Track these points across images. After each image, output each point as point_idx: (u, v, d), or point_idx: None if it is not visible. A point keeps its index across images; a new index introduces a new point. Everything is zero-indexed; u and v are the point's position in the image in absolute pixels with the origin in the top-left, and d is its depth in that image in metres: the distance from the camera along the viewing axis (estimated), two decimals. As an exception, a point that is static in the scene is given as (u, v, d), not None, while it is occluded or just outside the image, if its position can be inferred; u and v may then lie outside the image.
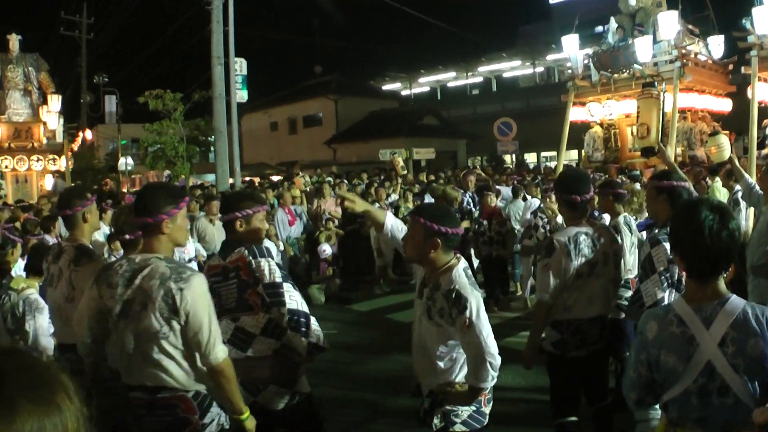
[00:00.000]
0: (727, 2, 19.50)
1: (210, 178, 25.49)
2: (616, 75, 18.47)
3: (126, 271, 3.28)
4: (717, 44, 19.05)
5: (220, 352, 3.30)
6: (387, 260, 13.54)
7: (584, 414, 4.94)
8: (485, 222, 10.88)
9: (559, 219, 10.07)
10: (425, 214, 3.69)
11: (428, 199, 13.37)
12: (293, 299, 3.84)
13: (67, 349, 4.40)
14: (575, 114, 19.54)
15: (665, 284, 4.33)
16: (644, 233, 6.54)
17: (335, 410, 6.23)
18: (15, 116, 24.43)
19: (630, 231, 6.27)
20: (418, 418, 3.86)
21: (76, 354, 4.26)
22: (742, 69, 14.73)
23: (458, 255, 3.74)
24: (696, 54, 18.42)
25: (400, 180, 18.12)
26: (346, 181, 18.78)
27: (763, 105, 14.88)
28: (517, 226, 11.68)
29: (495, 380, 3.55)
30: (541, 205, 10.84)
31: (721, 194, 10.63)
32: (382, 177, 20.34)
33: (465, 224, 10.52)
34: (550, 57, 43.71)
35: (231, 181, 19.76)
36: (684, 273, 2.81)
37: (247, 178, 25.56)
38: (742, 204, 8.89)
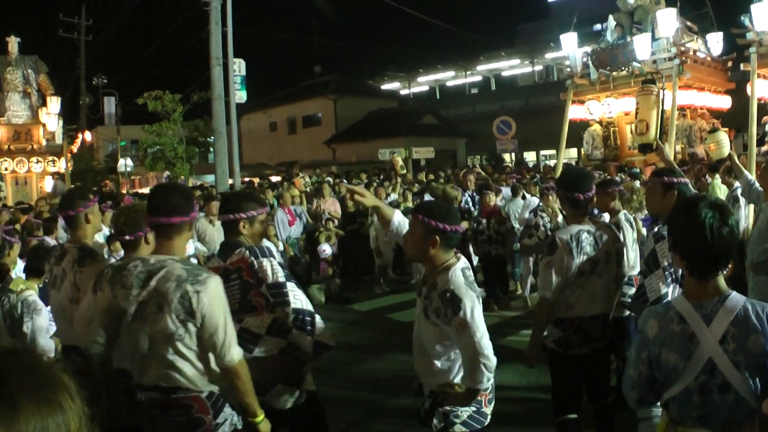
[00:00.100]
0: (725, -1, 19.53)
1: (209, 178, 25.48)
2: (615, 73, 18.45)
3: (141, 273, 3.27)
4: (716, 41, 19.03)
5: (235, 354, 3.31)
6: (386, 260, 13.55)
7: (586, 412, 4.94)
8: (484, 221, 10.88)
9: (560, 218, 10.09)
10: (424, 211, 3.70)
11: (428, 198, 13.38)
12: (297, 298, 3.84)
13: (72, 350, 4.39)
14: (574, 112, 19.53)
15: (669, 279, 4.34)
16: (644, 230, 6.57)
17: (335, 410, 6.23)
18: (14, 118, 24.43)
19: (631, 227, 6.28)
20: (418, 418, 3.86)
21: (81, 355, 4.27)
22: (741, 66, 14.69)
23: (459, 254, 3.74)
24: (695, 51, 18.41)
25: (399, 179, 18.12)
26: (345, 181, 18.77)
27: (762, 102, 14.86)
28: (516, 225, 11.69)
29: (491, 381, 3.55)
30: (541, 204, 10.84)
31: (721, 191, 10.63)
32: (382, 177, 20.34)
33: (464, 224, 10.52)
34: (549, 55, 43.66)
35: (230, 181, 19.76)
36: (685, 271, 2.79)
37: (247, 179, 25.54)
38: (742, 201, 8.89)
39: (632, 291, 5.63)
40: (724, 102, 20.20)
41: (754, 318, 2.56)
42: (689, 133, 18.31)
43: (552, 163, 24.08)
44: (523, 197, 12.45)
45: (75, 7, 36.42)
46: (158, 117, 25.80)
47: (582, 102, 19.80)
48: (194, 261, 8.92)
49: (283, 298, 3.79)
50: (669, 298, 4.07)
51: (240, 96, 20.67)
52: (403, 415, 6.12)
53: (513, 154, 27.36)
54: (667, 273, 4.35)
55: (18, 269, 7.61)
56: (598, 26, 32.11)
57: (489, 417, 3.74)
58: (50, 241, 9.21)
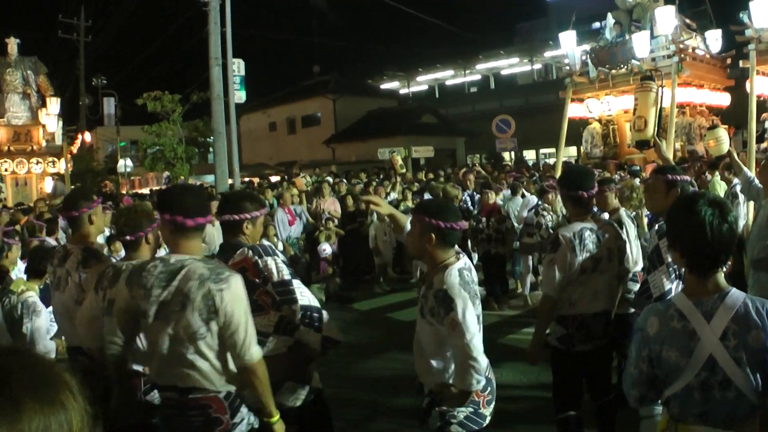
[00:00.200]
0: (724, -4, 19.52)
1: (209, 179, 25.49)
2: (613, 71, 18.44)
3: (162, 273, 3.27)
4: (715, 38, 19.03)
5: (255, 353, 3.32)
6: (386, 259, 13.56)
7: (587, 410, 4.95)
8: (484, 219, 10.87)
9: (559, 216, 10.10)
10: (421, 208, 3.75)
11: (427, 197, 13.38)
12: (304, 295, 3.84)
13: (78, 351, 4.39)
14: (574, 110, 19.52)
15: (673, 275, 4.36)
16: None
17: (335, 409, 6.19)
18: (14, 119, 24.45)
19: (633, 224, 6.29)
20: (418, 417, 3.86)
21: (87, 355, 4.27)
22: (740, 63, 14.72)
23: (459, 254, 3.74)
24: (694, 49, 18.40)
25: (399, 179, 18.13)
26: (345, 180, 18.78)
27: (761, 98, 14.89)
28: (516, 224, 11.68)
29: (482, 383, 3.54)
30: (542, 203, 10.83)
31: (721, 188, 10.63)
32: (381, 176, 20.34)
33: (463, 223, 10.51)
34: (548, 54, 43.63)
35: (230, 181, 19.77)
36: (684, 268, 2.80)
37: (247, 179, 25.56)
38: (741, 197, 8.90)
39: (637, 287, 5.64)
40: (724, 99, 20.20)
41: (754, 314, 2.56)
42: (689, 130, 18.31)
43: (552, 161, 24.08)
44: (522, 196, 12.45)
45: (74, 8, 36.43)
46: (158, 117, 25.81)
47: (581, 100, 19.79)
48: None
49: (290, 296, 3.78)
50: (673, 294, 4.07)
51: (239, 96, 20.67)
52: (404, 415, 6.13)
53: (512, 153, 27.41)
54: (671, 269, 4.37)
55: (18, 270, 7.61)
56: (596, 24, 32.02)
57: (488, 418, 3.73)
58: (51, 241, 9.22)
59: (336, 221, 13.89)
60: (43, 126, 24.89)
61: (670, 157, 13.26)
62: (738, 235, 3.27)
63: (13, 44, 24.60)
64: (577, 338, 4.68)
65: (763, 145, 15.15)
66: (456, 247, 3.75)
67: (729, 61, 19.37)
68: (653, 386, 2.76)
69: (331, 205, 14.36)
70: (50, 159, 24.52)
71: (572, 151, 29.63)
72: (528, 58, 46.70)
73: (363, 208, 14.41)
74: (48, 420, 1.11)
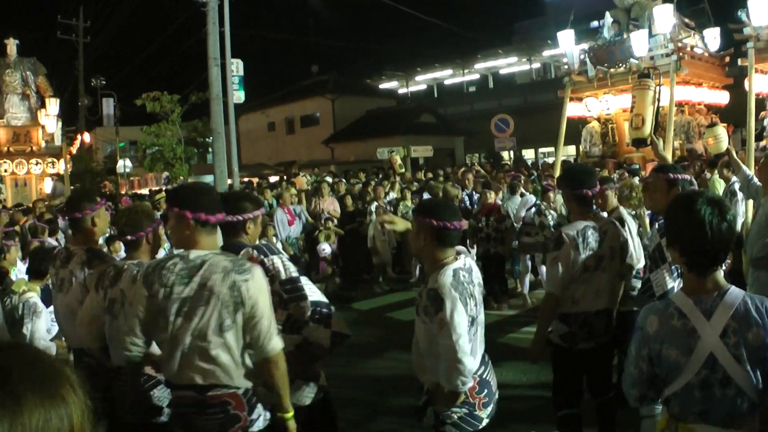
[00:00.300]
0: (722, -5, 19.52)
1: (208, 179, 25.44)
2: (612, 70, 18.47)
3: (182, 269, 3.27)
4: (713, 37, 19.05)
5: (277, 343, 3.36)
6: (384, 259, 13.57)
7: (588, 408, 4.96)
8: (483, 218, 10.88)
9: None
10: (420, 207, 3.80)
11: (426, 197, 13.39)
12: (313, 291, 3.85)
13: (83, 352, 4.38)
14: (572, 110, 19.55)
15: (675, 274, 4.39)
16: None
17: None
18: (13, 120, 24.46)
19: (634, 221, 6.32)
20: (416, 414, 3.88)
21: (92, 357, 4.27)
22: (739, 61, 14.72)
23: (460, 254, 3.75)
24: (692, 47, 18.41)
25: (398, 178, 18.14)
26: (344, 180, 18.78)
27: (760, 96, 14.91)
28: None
29: (466, 385, 3.52)
30: (543, 203, 10.83)
31: (721, 186, 10.64)
32: (380, 176, 20.34)
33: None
34: (546, 53, 43.59)
35: (229, 181, 19.77)
36: (683, 266, 2.81)
37: (246, 179, 25.56)
38: (739, 195, 8.90)
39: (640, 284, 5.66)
40: (722, 97, 20.22)
41: (754, 312, 2.57)
42: (687, 128, 18.34)
43: (550, 160, 24.08)
44: (521, 195, 12.45)
45: (73, 8, 36.41)
46: (157, 118, 25.81)
47: (580, 99, 19.82)
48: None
49: (300, 293, 3.79)
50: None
51: (238, 96, 20.66)
52: (403, 414, 6.13)
53: (511, 152, 27.39)
54: (673, 268, 4.40)
55: (18, 271, 7.62)
56: (595, 23, 32.02)
57: (485, 421, 3.72)
58: (52, 242, 9.23)
59: (335, 221, 13.90)
60: (43, 127, 24.90)
61: (669, 155, 13.29)
62: (737, 233, 3.29)
63: (12, 45, 24.61)
64: (579, 336, 4.70)
65: (762, 143, 15.17)
66: (461, 247, 3.76)
67: (727, 59, 19.39)
68: (653, 385, 2.77)
69: (330, 205, 14.36)
70: (49, 160, 24.52)
71: (571, 150, 29.63)
72: (526, 57, 46.68)
73: (348, 202, 14.46)
74: (49, 414, 1.12)
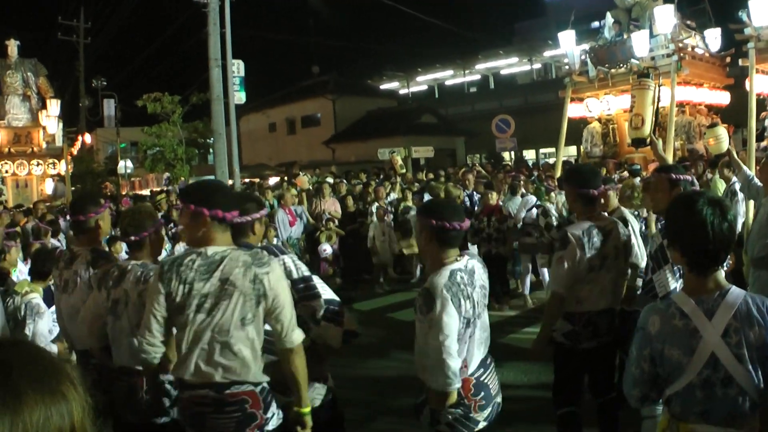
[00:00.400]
0: (723, -5, 19.51)
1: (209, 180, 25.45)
2: (613, 70, 18.45)
3: (201, 266, 3.27)
4: (714, 37, 19.03)
5: (298, 334, 3.41)
6: (383, 259, 13.57)
7: (588, 408, 4.96)
8: (485, 218, 10.87)
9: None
10: (421, 207, 3.83)
11: (427, 197, 13.40)
12: (325, 289, 3.88)
13: (88, 353, 4.37)
14: (573, 110, 19.53)
15: (677, 274, 4.39)
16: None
17: (338, 409, 6.24)
18: (14, 121, 24.48)
19: (637, 221, 6.33)
20: (415, 414, 3.88)
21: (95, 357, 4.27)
22: (740, 61, 14.70)
23: (462, 256, 3.74)
24: (693, 47, 18.40)
25: (399, 179, 18.13)
26: (345, 181, 18.78)
27: (761, 97, 14.89)
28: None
29: (452, 386, 3.51)
30: (546, 204, 10.83)
31: (722, 187, 10.64)
32: (381, 176, 20.34)
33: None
34: (547, 53, 43.59)
35: (230, 182, 19.77)
36: (684, 267, 2.80)
37: (247, 180, 25.56)
38: (740, 195, 8.90)
39: None
40: (723, 98, 20.20)
41: (755, 311, 2.57)
42: (688, 129, 18.32)
43: (551, 161, 24.07)
44: (522, 195, 12.44)
45: (74, 9, 36.43)
46: (158, 119, 25.82)
47: (581, 99, 19.80)
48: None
49: (313, 291, 3.81)
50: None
51: (239, 97, 20.66)
52: (404, 415, 6.12)
53: (512, 153, 27.41)
54: (675, 268, 4.40)
55: (19, 272, 7.63)
56: (595, 23, 32.02)
57: (481, 423, 3.69)
58: (54, 242, 9.24)
59: (336, 222, 13.91)
60: (44, 128, 24.93)
61: (670, 156, 13.30)
62: (737, 233, 3.30)
63: (13, 46, 24.64)
64: (583, 335, 4.71)
65: (763, 144, 15.15)
66: (473, 249, 3.76)
67: (728, 59, 19.37)
68: (655, 386, 2.77)
69: (331, 206, 14.37)
70: (50, 161, 24.55)
71: (572, 150, 29.62)
72: (527, 57, 46.69)
73: (349, 202, 14.47)
74: (49, 411, 1.13)
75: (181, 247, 10.27)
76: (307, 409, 3.47)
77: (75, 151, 28.88)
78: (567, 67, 19.68)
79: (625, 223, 5.43)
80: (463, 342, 3.58)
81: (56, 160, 24.47)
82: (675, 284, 4.50)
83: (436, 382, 3.50)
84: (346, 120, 41.24)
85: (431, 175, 19.47)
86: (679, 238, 2.74)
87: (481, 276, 3.76)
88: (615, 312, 4.85)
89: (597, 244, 4.65)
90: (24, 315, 5.48)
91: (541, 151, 40.40)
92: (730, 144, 9.76)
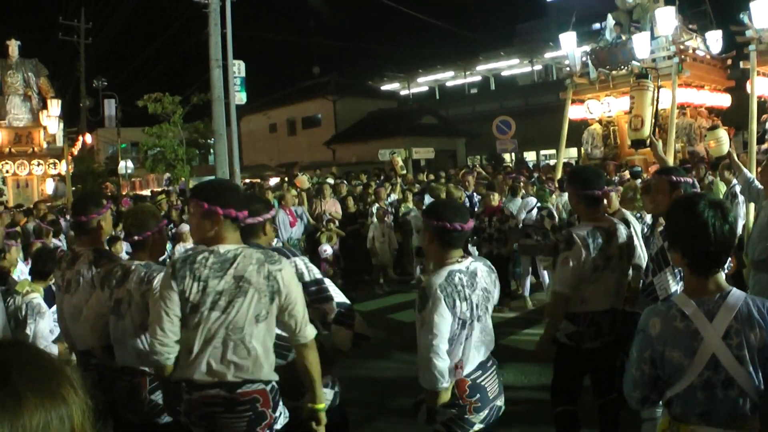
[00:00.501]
0: (724, -3, 19.52)
1: (210, 180, 25.42)
2: (614, 72, 18.43)
3: (215, 263, 3.27)
4: (715, 39, 19.01)
5: (311, 329, 3.44)
6: (382, 260, 13.57)
7: (591, 408, 4.96)
8: (486, 219, 10.87)
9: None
10: (426, 208, 3.79)
11: (428, 198, 13.41)
12: (337, 292, 3.86)
13: (89, 354, 4.37)
14: (574, 112, 19.51)
15: (678, 277, 4.39)
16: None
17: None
18: (15, 121, 24.50)
19: (639, 223, 6.33)
20: (413, 410, 3.89)
21: (96, 357, 4.27)
22: (741, 64, 14.72)
23: (464, 258, 3.75)
24: (694, 49, 18.38)
25: (399, 180, 18.14)
26: (346, 181, 18.78)
27: (762, 99, 14.88)
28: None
29: (440, 385, 3.52)
30: (549, 205, 10.82)
31: (723, 189, 10.64)
32: (382, 177, 20.34)
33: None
34: (548, 55, 43.58)
35: (231, 183, 19.75)
36: (685, 269, 2.81)
37: (247, 180, 25.54)
38: (740, 197, 8.90)
39: None
40: (724, 100, 20.18)
41: (756, 313, 2.58)
42: (689, 131, 18.30)
43: (552, 162, 24.07)
44: (522, 197, 12.43)
45: (74, 9, 36.42)
46: (158, 119, 25.72)
47: (582, 101, 19.78)
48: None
49: (326, 294, 3.80)
50: None
51: (240, 97, 20.65)
52: (404, 415, 6.11)
53: (513, 154, 27.37)
54: (676, 270, 4.41)
55: (20, 272, 7.63)
56: (597, 25, 32.00)
57: (477, 425, 3.70)
58: (56, 242, 9.24)
59: (337, 222, 13.91)
60: (44, 128, 24.94)
61: (671, 158, 13.28)
62: (737, 235, 3.31)
63: (13, 46, 24.66)
64: (587, 336, 4.72)
65: (764, 147, 15.12)
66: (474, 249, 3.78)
67: (729, 61, 19.35)
68: (655, 387, 2.77)
69: (332, 207, 14.38)
70: (51, 161, 24.57)
71: (573, 152, 29.60)
72: (528, 59, 46.66)
73: (350, 203, 14.46)
74: (49, 414, 1.11)
75: (181, 247, 10.27)
76: (322, 405, 3.48)
77: (75, 151, 28.88)
78: (568, 68, 19.67)
79: (627, 224, 5.43)
80: (458, 343, 3.59)
81: (57, 161, 24.48)
82: (676, 287, 4.50)
83: (425, 380, 3.54)
84: (346, 121, 41.20)
85: (432, 177, 19.47)
86: (680, 239, 2.74)
87: (485, 279, 3.77)
88: (618, 312, 4.85)
89: (601, 244, 4.66)
90: (25, 315, 5.48)
91: (542, 152, 40.39)
92: (730, 146, 9.76)
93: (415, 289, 11.91)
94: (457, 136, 40.16)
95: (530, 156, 39.86)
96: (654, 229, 5.10)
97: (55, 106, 25.26)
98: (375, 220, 13.55)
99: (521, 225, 11.15)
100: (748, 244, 6.01)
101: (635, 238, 5.32)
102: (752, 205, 8.80)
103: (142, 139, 28.95)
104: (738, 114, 17.46)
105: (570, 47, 19.18)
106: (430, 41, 61.39)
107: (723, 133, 10.13)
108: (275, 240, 11.75)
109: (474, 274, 3.69)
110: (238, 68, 20.54)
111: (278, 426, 3.38)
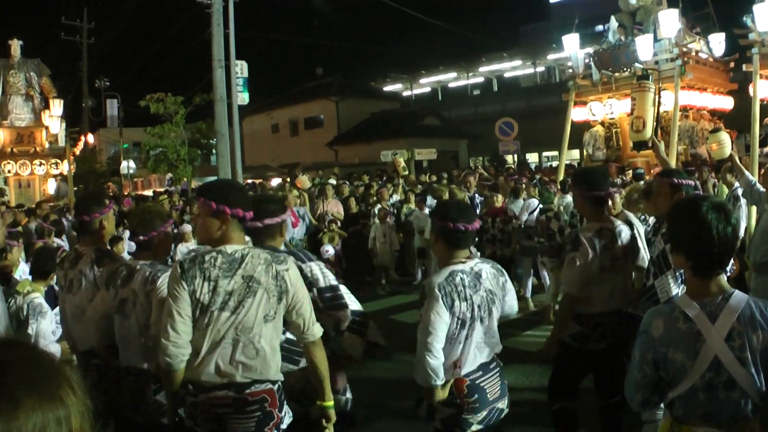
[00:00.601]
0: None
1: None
2: (617, 74, 18.40)
3: (224, 263, 3.26)
4: (718, 42, 18.98)
5: (318, 328, 3.46)
6: (383, 261, 13.56)
7: (591, 409, 4.95)
8: (489, 220, 10.86)
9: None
10: (434, 207, 3.83)
11: (429, 199, 13.41)
12: (352, 300, 3.86)
13: (90, 354, 4.36)
14: (577, 114, 19.49)
15: (679, 280, 4.40)
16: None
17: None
18: (17, 121, 24.51)
19: (642, 225, 6.33)
20: (415, 406, 3.90)
21: (100, 358, 4.26)
22: (744, 66, 14.67)
23: (470, 258, 3.75)
24: (697, 52, 18.36)
25: (401, 181, 18.13)
26: (348, 182, 18.78)
27: (764, 102, 14.84)
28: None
29: (433, 382, 3.55)
30: (551, 207, 10.81)
31: (726, 192, 10.63)
32: (384, 178, 20.34)
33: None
34: (551, 56, 43.65)
35: (233, 183, 19.70)
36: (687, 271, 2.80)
37: (249, 181, 25.53)
38: (742, 200, 8.89)
39: None
40: (726, 103, 20.15)
41: (758, 315, 2.58)
42: (692, 133, 18.27)
43: (555, 164, 24.05)
44: (524, 199, 12.43)
45: (77, 9, 36.46)
46: (160, 119, 25.73)
47: (584, 103, 19.76)
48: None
49: (340, 301, 3.79)
50: None
51: (242, 98, 20.64)
52: (406, 416, 6.11)
53: (515, 156, 27.37)
54: (678, 274, 4.41)
55: (22, 271, 7.62)
56: (599, 27, 32.05)
57: (474, 426, 3.70)
58: (58, 241, 9.24)
59: (339, 223, 13.91)
60: (46, 128, 24.95)
61: (673, 160, 13.27)
62: (740, 237, 3.32)
63: (16, 46, 24.68)
64: (592, 336, 4.72)
65: (766, 150, 15.10)
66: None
67: (732, 64, 19.31)
68: (657, 389, 2.77)
69: (334, 207, 14.38)
70: (53, 161, 24.57)
71: (575, 154, 29.59)
72: (531, 60, 46.72)
73: (352, 204, 14.46)
74: (46, 417, 1.09)
75: (184, 248, 10.27)
76: (331, 403, 3.48)
77: (78, 151, 28.89)
78: (571, 70, 19.67)
79: (630, 226, 5.44)
80: (458, 342, 3.61)
81: (59, 160, 24.49)
82: (677, 290, 4.50)
83: (418, 375, 3.58)
84: (349, 122, 41.23)
85: (434, 178, 19.47)
86: (683, 241, 2.74)
87: (490, 281, 3.75)
88: (622, 314, 4.86)
89: (607, 245, 4.69)
90: (26, 315, 5.47)
91: (544, 154, 40.42)
92: (732, 149, 9.73)
93: (416, 291, 11.92)
94: (460, 137, 40.18)
95: (533, 157, 39.89)
96: (656, 231, 5.10)
97: (57, 106, 25.28)
98: (377, 221, 13.55)
99: (523, 226, 11.14)
100: (750, 246, 6.01)
101: (639, 239, 5.32)
102: (754, 208, 8.79)
103: (144, 139, 28.96)
104: (740, 117, 17.43)
105: (573, 49, 19.16)
106: (433, 42, 61.43)
107: (725, 136, 10.09)
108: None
109: (478, 276, 3.69)
110: (241, 68, 20.53)
111: (284, 426, 3.38)
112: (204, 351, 3.25)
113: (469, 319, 3.61)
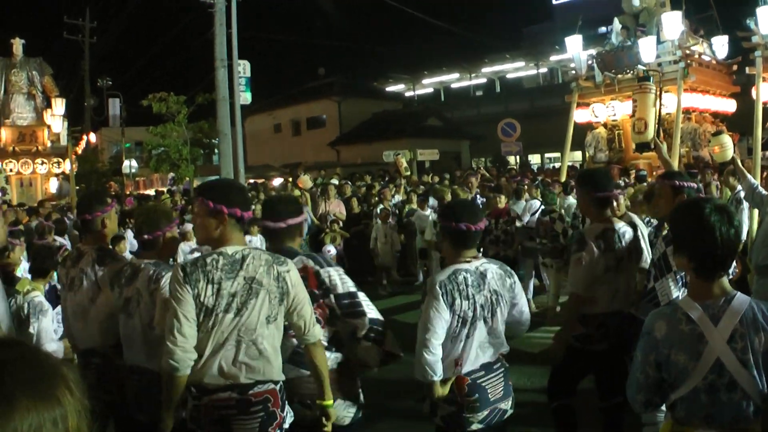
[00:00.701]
0: (731, 2, 19.42)
1: (213, 180, 25.36)
2: (620, 75, 18.41)
3: (225, 265, 3.24)
4: (721, 44, 18.98)
5: (318, 329, 3.47)
6: (384, 261, 13.55)
7: (592, 409, 4.95)
8: (492, 221, 10.84)
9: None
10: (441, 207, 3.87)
11: (432, 200, 13.39)
12: (371, 308, 3.78)
13: (91, 353, 4.37)
14: (579, 115, 19.49)
15: (680, 283, 4.39)
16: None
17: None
18: (19, 120, 24.54)
19: (646, 226, 6.33)
20: (418, 399, 3.93)
21: (101, 357, 4.26)
22: (747, 69, 14.65)
23: (476, 258, 3.76)
24: (700, 54, 18.36)
25: (403, 181, 18.13)
26: (350, 182, 18.77)
27: (767, 105, 14.84)
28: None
29: (431, 378, 3.57)
30: (554, 208, 10.81)
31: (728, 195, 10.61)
32: (386, 178, 20.34)
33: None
34: (554, 58, 43.59)
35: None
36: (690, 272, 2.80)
37: (251, 180, 25.53)
38: (744, 203, 8.88)
39: None
40: (729, 105, 20.15)
41: (761, 317, 2.59)
42: (694, 136, 18.26)
43: (557, 165, 24.04)
44: (526, 200, 12.41)
45: (79, 8, 36.51)
46: (163, 119, 25.77)
47: (587, 104, 19.76)
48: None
49: (358, 308, 3.72)
50: None
51: (244, 98, 20.61)
52: (407, 416, 6.12)
53: (518, 157, 27.37)
54: (678, 276, 4.40)
55: (23, 270, 7.62)
56: (603, 29, 32.02)
57: (475, 425, 3.70)
58: (61, 240, 9.23)
59: (341, 223, 13.90)
60: (48, 127, 24.97)
61: (675, 162, 13.26)
62: (742, 240, 3.32)
63: (18, 45, 24.70)
64: (595, 337, 4.73)
65: (769, 152, 15.09)
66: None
67: (735, 67, 19.32)
68: (659, 390, 2.77)
69: (336, 207, 14.37)
70: (55, 160, 24.58)
71: (577, 155, 29.56)
72: (534, 61, 46.66)
73: (354, 204, 14.46)
74: (42, 417, 1.09)
75: (186, 247, 10.27)
76: (330, 402, 3.48)
77: (79, 150, 28.89)
78: (573, 71, 19.67)
79: (634, 228, 5.44)
80: (458, 340, 3.62)
81: (61, 159, 24.50)
82: (677, 293, 4.50)
83: (416, 371, 3.61)
84: (351, 122, 41.26)
85: (436, 178, 19.47)
86: (686, 243, 2.74)
87: (496, 282, 3.74)
88: (625, 315, 4.85)
89: (612, 245, 4.71)
90: (27, 314, 5.46)
91: (547, 155, 40.39)
92: (735, 152, 9.73)
93: (418, 291, 11.91)
94: (462, 138, 40.18)
95: (535, 159, 39.88)
96: (658, 233, 5.10)
97: (59, 105, 25.30)
98: (379, 222, 13.54)
99: (524, 227, 11.13)
100: (752, 249, 6.01)
101: (642, 241, 5.32)
102: (756, 211, 8.78)
103: (147, 138, 29.02)
104: (743, 120, 17.39)
105: (576, 50, 19.17)
106: (436, 43, 61.37)
107: (727, 139, 10.10)
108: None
109: (483, 276, 3.69)
110: (243, 68, 20.51)
111: (286, 425, 3.38)
112: (207, 353, 3.23)
113: (471, 318, 3.61)
